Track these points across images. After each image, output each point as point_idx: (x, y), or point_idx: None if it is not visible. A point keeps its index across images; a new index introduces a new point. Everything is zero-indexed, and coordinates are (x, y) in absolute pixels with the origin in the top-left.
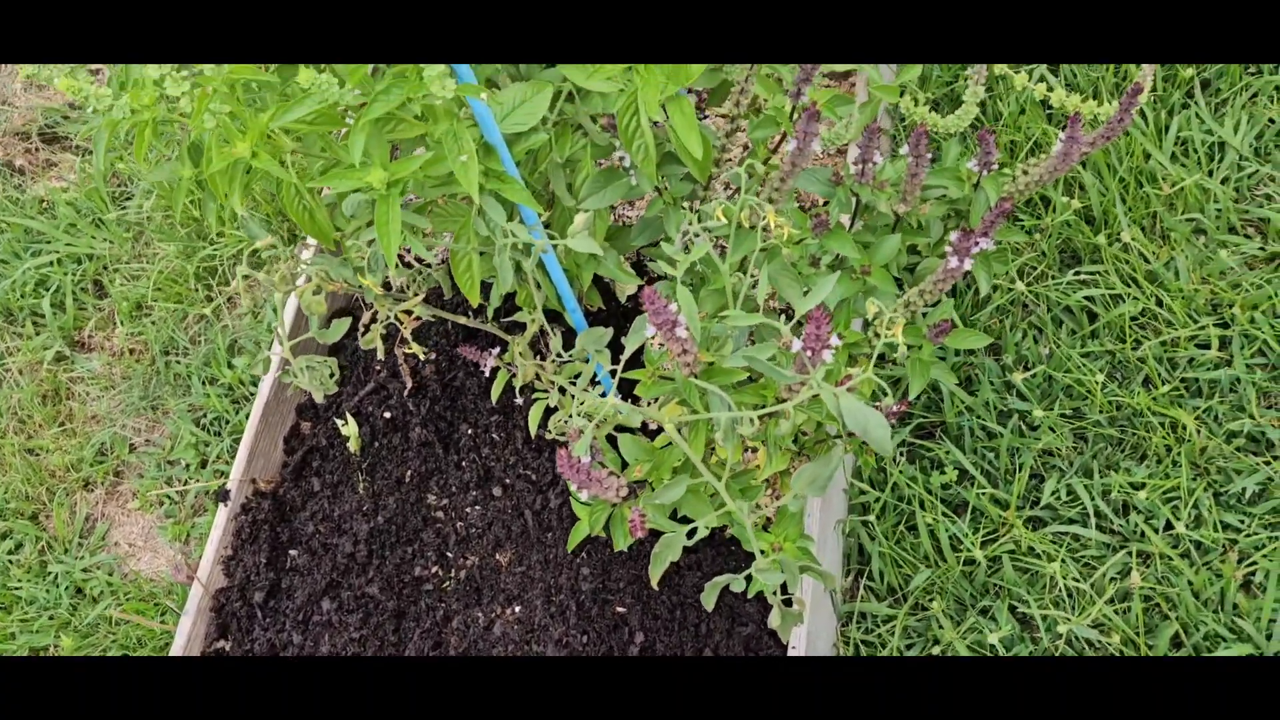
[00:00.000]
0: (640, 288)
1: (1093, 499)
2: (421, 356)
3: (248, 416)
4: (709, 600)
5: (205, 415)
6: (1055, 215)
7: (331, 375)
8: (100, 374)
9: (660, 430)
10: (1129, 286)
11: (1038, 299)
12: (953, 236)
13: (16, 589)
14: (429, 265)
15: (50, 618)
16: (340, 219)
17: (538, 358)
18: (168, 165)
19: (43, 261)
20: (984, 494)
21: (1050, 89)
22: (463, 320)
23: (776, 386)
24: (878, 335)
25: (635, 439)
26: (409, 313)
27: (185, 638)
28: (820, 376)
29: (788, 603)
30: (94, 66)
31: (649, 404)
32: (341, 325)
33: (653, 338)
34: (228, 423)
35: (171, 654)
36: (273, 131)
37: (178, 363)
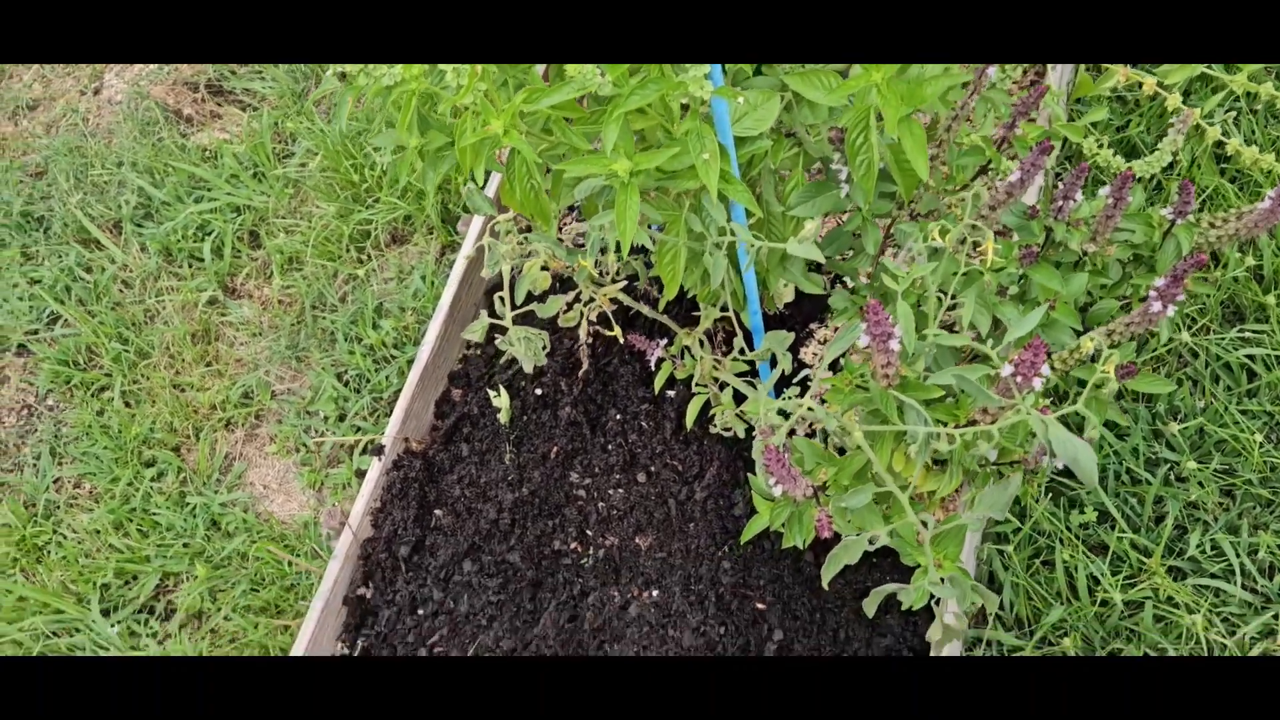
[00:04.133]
0: (798, 292)
1: (1238, 556)
2: (620, 338)
3: (388, 378)
4: (870, 607)
5: (347, 371)
6: (1226, 271)
7: (544, 348)
8: (250, 320)
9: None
10: None
11: (1196, 354)
12: (1158, 282)
13: (156, 515)
14: (632, 255)
15: (185, 545)
16: (564, 198)
17: (715, 352)
18: (389, 133)
19: (205, 208)
20: (1125, 538)
21: (1225, 136)
22: (646, 310)
23: (968, 408)
24: (1062, 367)
25: (814, 445)
26: (596, 298)
27: (332, 580)
28: (1030, 403)
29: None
30: None
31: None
32: (556, 301)
33: (865, 347)
34: (368, 381)
35: (318, 595)
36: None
37: (325, 318)
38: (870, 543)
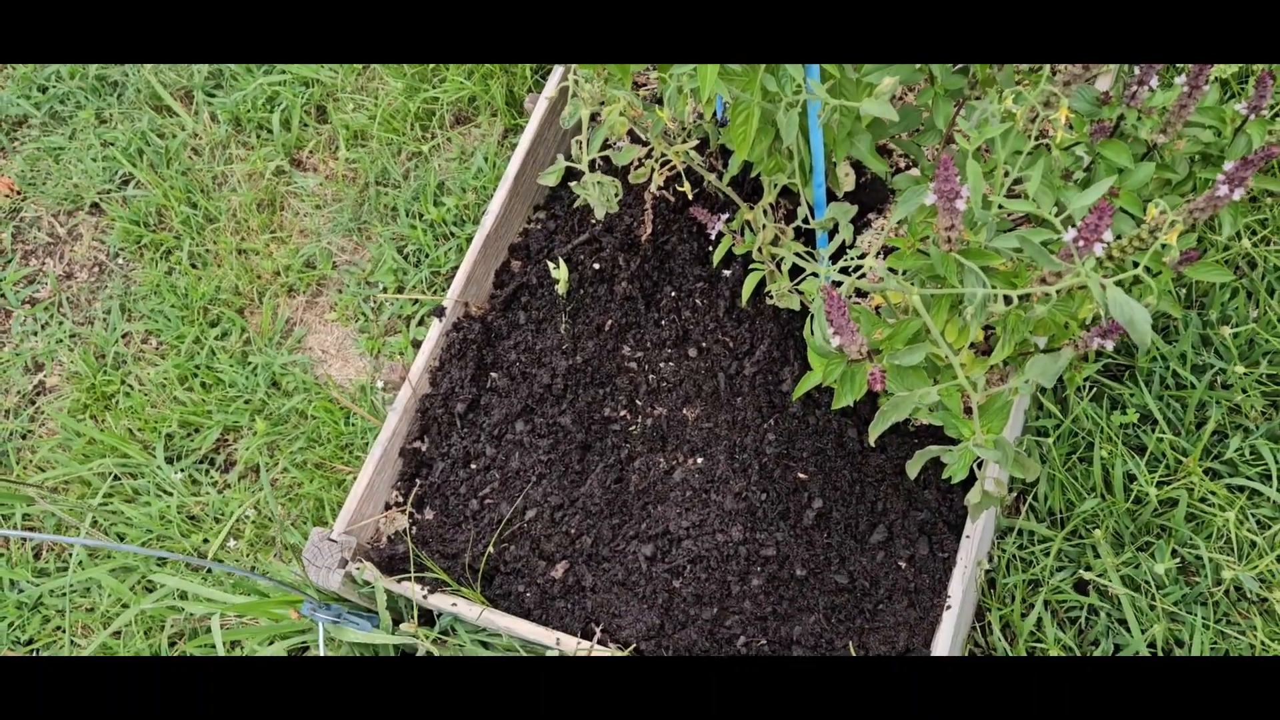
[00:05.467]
0: (859, 183)
1: (1277, 463)
2: (689, 193)
3: (447, 253)
4: (914, 469)
5: (407, 245)
6: None
7: (616, 195)
8: (314, 192)
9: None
10: None
11: (1254, 264)
12: (1227, 166)
13: (219, 372)
14: (703, 120)
15: (246, 402)
16: None
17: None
18: None
19: (274, 80)
20: (1165, 439)
21: None
22: (712, 179)
23: (1025, 279)
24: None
25: (867, 311)
26: (665, 163)
27: (390, 431)
28: (1090, 266)
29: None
30: None
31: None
32: (632, 150)
33: (930, 205)
34: (427, 256)
35: (376, 443)
36: None
37: (387, 194)
38: (919, 404)
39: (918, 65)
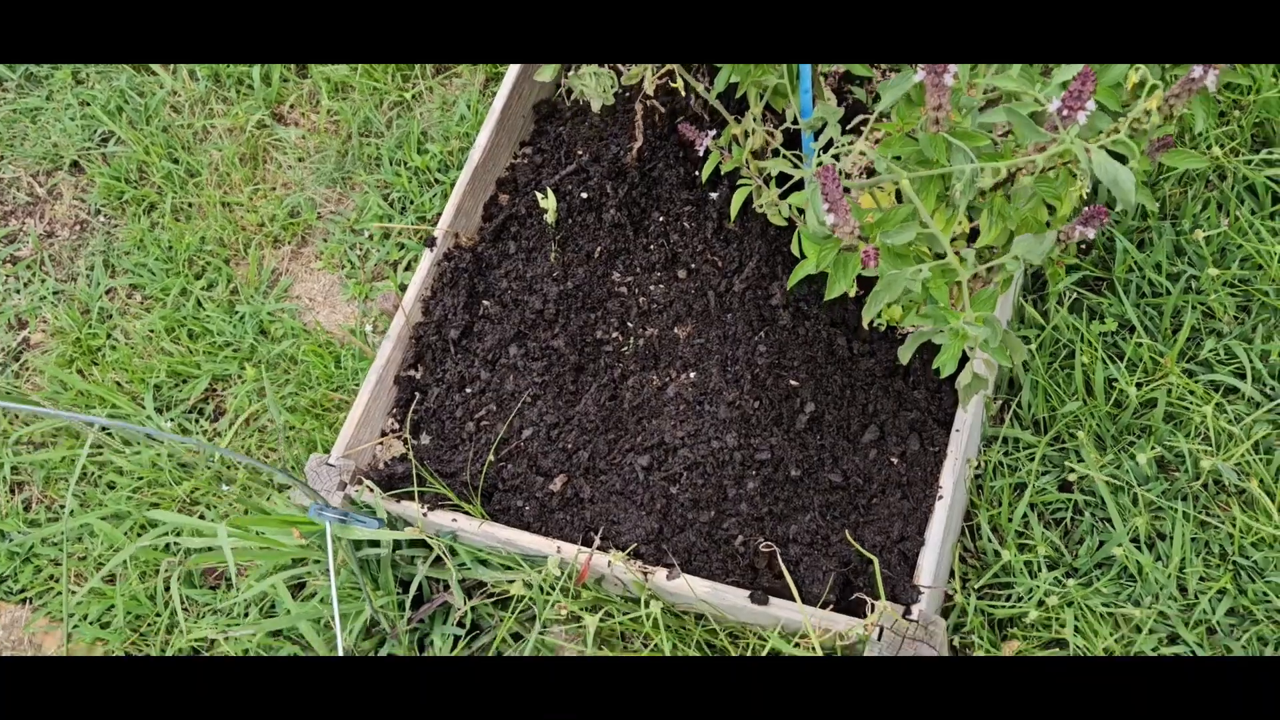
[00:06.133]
0: (842, 105)
1: (1251, 362)
2: (662, 109)
3: (432, 199)
4: (905, 354)
5: (392, 192)
6: (1259, 94)
7: (611, 87)
8: (297, 144)
9: None
10: None
11: (1224, 176)
12: None
13: (207, 322)
14: None
15: (235, 351)
16: None
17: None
18: None
19: None
20: (1143, 344)
21: None
22: (700, 90)
23: (1011, 157)
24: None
25: (856, 205)
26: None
27: (384, 359)
28: (1074, 133)
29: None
30: None
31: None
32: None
33: (918, 83)
34: (413, 202)
35: (370, 371)
36: None
37: (370, 144)
38: (910, 281)
39: None
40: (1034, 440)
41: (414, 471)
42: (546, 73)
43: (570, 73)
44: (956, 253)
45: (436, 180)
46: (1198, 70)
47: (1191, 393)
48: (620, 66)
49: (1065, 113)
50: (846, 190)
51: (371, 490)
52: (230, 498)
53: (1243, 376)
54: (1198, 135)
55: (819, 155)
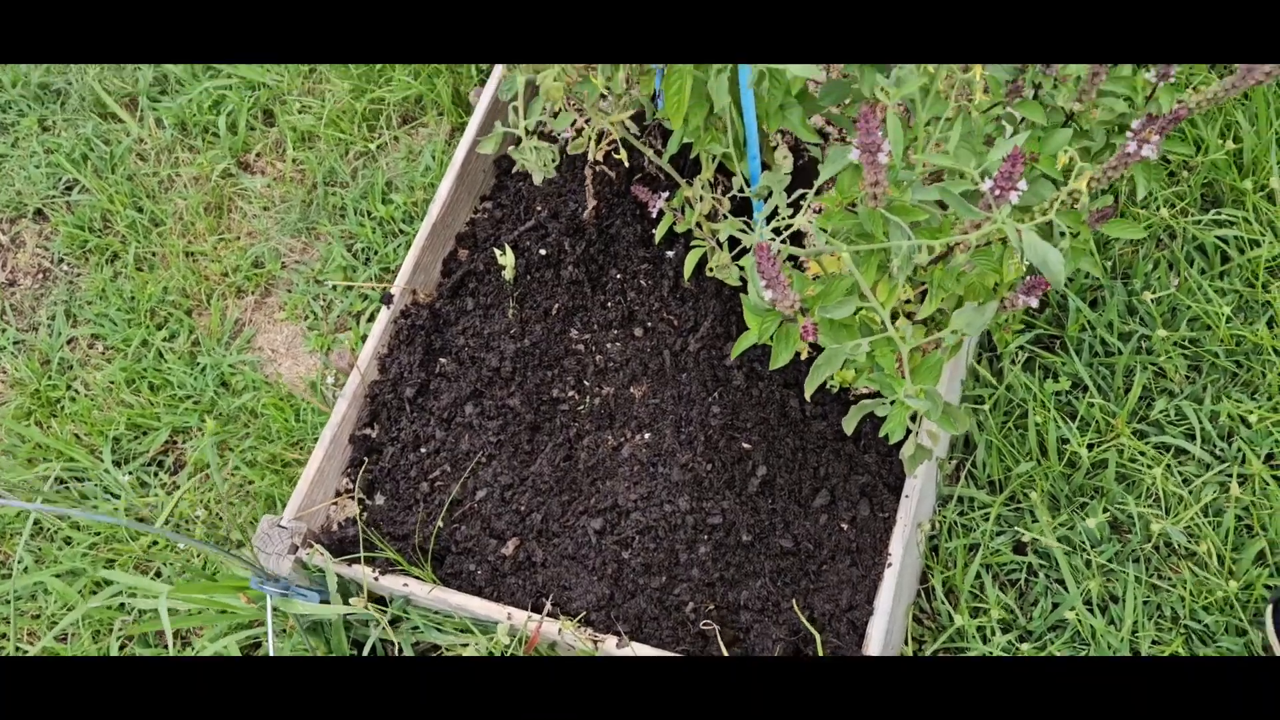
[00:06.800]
0: (797, 165)
1: (1200, 423)
2: (612, 174)
3: (396, 250)
4: (850, 424)
5: (356, 243)
6: (1206, 155)
7: (553, 160)
8: (262, 193)
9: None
10: (1267, 232)
11: (1174, 235)
12: (1134, 124)
13: (168, 374)
14: (635, 86)
15: (195, 403)
16: None
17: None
18: None
19: (220, 84)
20: (1095, 404)
21: None
22: (650, 155)
23: (949, 231)
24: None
25: (800, 275)
26: (601, 139)
27: (339, 418)
28: (1005, 213)
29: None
30: None
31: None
32: (569, 116)
33: (855, 160)
34: (377, 253)
35: (326, 429)
36: None
37: (336, 193)
38: (850, 354)
39: None
40: (989, 500)
41: (361, 537)
42: (489, 145)
43: (511, 147)
44: (897, 326)
45: (401, 231)
46: (1131, 145)
47: (1142, 454)
48: (569, 132)
49: (998, 193)
50: (793, 259)
51: (322, 554)
52: (189, 553)
53: (1193, 438)
54: (1145, 198)
55: (760, 227)
